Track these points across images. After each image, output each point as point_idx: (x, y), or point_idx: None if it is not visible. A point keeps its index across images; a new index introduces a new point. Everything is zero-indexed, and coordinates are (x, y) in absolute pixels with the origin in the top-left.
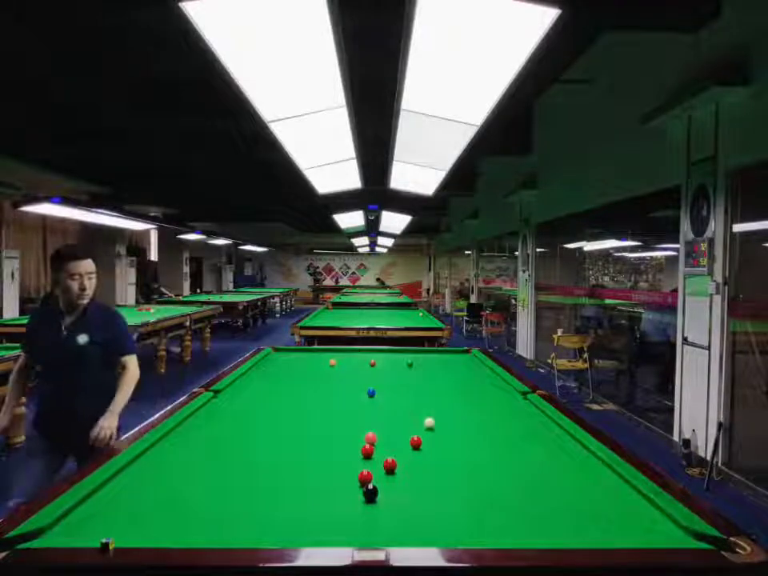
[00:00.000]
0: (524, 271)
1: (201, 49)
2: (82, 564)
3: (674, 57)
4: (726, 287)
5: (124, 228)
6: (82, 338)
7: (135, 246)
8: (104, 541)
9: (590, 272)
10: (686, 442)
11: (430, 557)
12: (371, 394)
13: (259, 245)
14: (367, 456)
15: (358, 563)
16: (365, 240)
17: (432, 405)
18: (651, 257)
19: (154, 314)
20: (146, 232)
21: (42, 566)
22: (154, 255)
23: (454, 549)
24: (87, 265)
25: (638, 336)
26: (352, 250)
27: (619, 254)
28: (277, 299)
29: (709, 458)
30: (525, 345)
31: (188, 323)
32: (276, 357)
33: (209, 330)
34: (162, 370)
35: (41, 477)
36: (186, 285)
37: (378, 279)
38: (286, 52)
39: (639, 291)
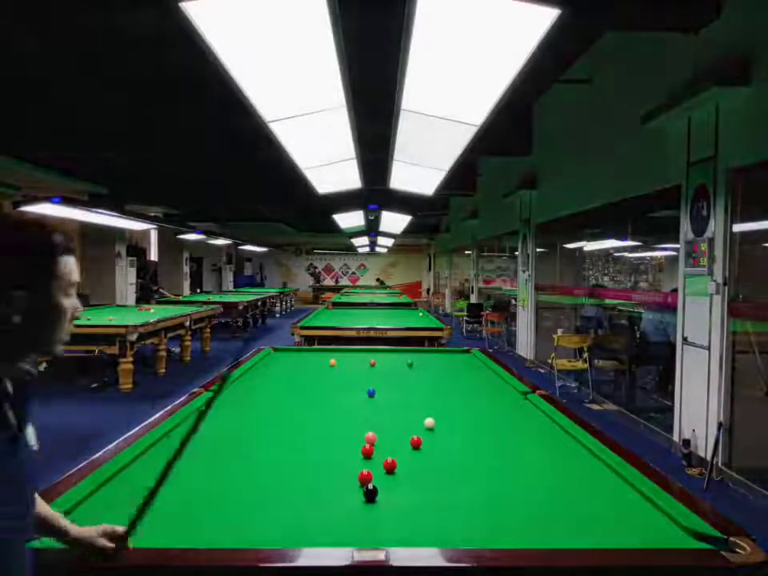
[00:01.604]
0: (524, 271)
1: (201, 49)
2: (82, 564)
3: (674, 57)
4: (726, 287)
5: (124, 228)
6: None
7: (135, 246)
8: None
9: (590, 272)
10: (686, 442)
11: (430, 557)
12: (371, 394)
13: (259, 245)
14: (367, 456)
15: (358, 563)
16: (365, 240)
17: (432, 405)
18: (651, 257)
19: (153, 314)
20: (146, 232)
21: (42, 566)
22: (154, 255)
23: (454, 549)
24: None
25: (638, 336)
26: (352, 249)
27: (619, 254)
28: (277, 299)
29: (709, 458)
30: (525, 345)
31: (188, 323)
32: (276, 357)
33: (209, 330)
34: (162, 370)
35: None
36: (186, 285)
37: (377, 279)
38: (287, 52)
39: (639, 291)
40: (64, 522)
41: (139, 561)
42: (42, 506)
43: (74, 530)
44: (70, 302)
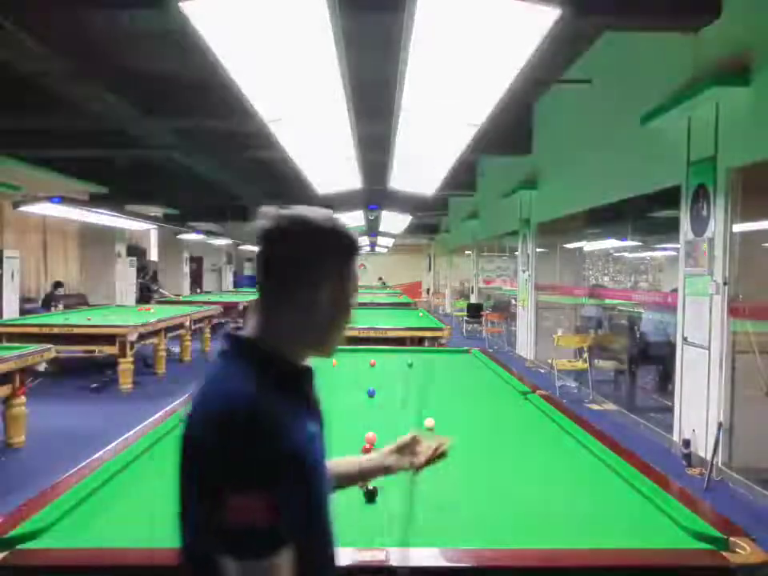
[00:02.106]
0: (524, 271)
1: (200, 49)
2: (82, 564)
3: (674, 57)
4: (726, 287)
5: (124, 228)
6: None
7: (135, 246)
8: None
9: (590, 272)
10: (686, 442)
11: (430, 557)
12: (371, 394)
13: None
14: None
15: (359, 563)
16: (365, 240)
17: (432, 405)
18: (651, 257)
19: (153, 314)
20: (146, 232)
21: (42, 566)
22: (154, 255)
23: (454, 549)
24: None
25: (638, 336)
26: None
27: (619, 254)
28: None
29: (709, 457)
30: (525, 345)
31: (188, 323)
32: None
33: (208, 330)
34: (162, 370)
35: None
36: (186, 285)
37: (379, 278)
38: (287, 52)
39: (639, 291)
40: (353, 461)
41: (137, 560)
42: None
43: (363, 463)
44: (354, 303)
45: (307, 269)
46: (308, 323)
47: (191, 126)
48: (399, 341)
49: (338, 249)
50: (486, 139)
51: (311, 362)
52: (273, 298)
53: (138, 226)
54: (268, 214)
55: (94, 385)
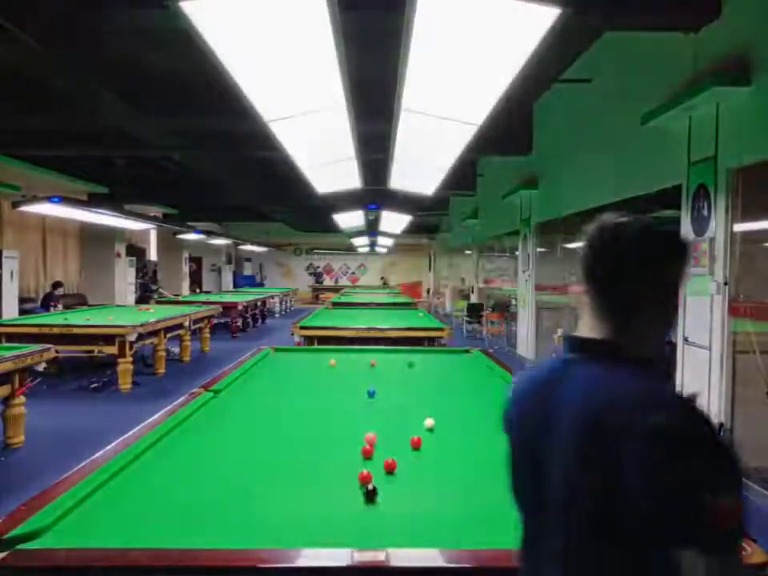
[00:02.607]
0: (524, 271)
1: (200, 48)
2: (82, 564)
3: (674, 57)
4: (727, 287)
5: (124, 228)
6: None
7: (135, 245)
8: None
9: None
10: None
11: (430, 557)
12: (371, 394)
13: (259, 245)
14: (367, 456)
15: (358, 564)
16: (365, 240)
17: (432, 405)
18: None
19: (153, 314)
20: (146, 232)
21: (42, 566)
22: (153, 255)
23: (454, 549)
24: None
25: None
26: (352, 250)
27: None
28: (276, 299)
29: None
30: (525, 345)
31: (187, 323)
32: (276, 357)
33: (208, 330)
34: (162, 370)
35: None
36: (186, 285)
37: (381, 278)
38: (286, 51)
39: None
40: None
41: (141, 560)
42: None
43: None
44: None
45: (657, 270)
46: (657, 322)
47: (191, 126)
48: (399, 341)
49: (677, 250)
50: (485, 139)
51: None
52: (624, 300)
53: (138, 225)
54: (607, 221)
55: (94, 384)
